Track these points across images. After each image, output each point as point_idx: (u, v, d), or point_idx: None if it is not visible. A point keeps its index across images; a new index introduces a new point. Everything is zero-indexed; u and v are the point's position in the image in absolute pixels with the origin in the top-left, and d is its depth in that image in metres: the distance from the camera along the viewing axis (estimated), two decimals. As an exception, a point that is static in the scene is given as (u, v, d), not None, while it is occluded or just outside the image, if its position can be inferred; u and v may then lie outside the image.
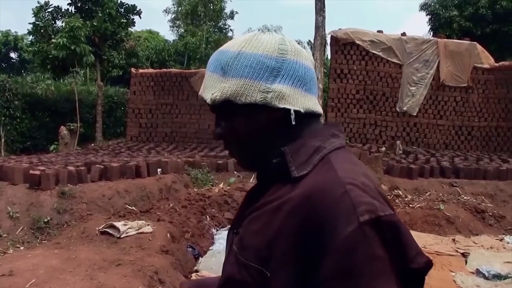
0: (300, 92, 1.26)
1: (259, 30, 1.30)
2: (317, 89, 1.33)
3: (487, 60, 17.18)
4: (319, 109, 1.31)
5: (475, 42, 17.33)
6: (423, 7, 29.18)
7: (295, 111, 1.24)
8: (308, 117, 1.28)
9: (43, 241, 7.31)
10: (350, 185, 1.11)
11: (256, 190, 1.37)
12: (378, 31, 16.65)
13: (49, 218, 7.73)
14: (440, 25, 27.33)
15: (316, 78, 1.36)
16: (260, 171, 1.38)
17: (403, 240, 1.08)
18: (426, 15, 29.24)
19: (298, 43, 1.31)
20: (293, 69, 1.25)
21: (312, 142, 1.24)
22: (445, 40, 17.34)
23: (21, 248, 6.99)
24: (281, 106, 1.23)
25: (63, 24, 20.03)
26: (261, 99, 1.23)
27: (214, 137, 1.35)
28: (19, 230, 7.40)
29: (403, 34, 16.72)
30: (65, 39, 18.35)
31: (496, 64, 17.32)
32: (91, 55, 19.44)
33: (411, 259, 1.08)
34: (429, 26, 29.32)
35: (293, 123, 1.23)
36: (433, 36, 22.24)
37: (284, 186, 1.21)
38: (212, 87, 1.28)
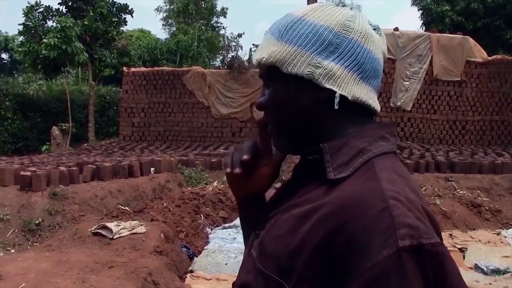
0: (354, 77, 1.11)
1: (333, 2, 1.16)
2: (380, 84, 1.19)
3: (479, 54, 17.18)
4: (373, 103, 1.15)
5: (467, 36, 17.34)
6: (415, 2, 29.18)
7: (342, 97, 1.10)
8: (359, 111, 1.14)
9: (35, 244, 7.21)
10: (393, 200, 0.94)
11: (288, 187, 1.23)
12: (371, 26, 16.56)
13: (40, 220, 7.63)
14: (432, 20, 27.32)
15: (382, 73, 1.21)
16: (297, 165, 1.24)
17: (446, 276, 0.92)
18: (418, 10, 29.25)
19: (375, 28, 1.17)
20: (354, 50, 1.11)
21: (356, 142, 1.09)
22: (438, 34, 17.32)
23: (12, 251, 6.88)
24: (327, 86, 1.09)
25: (54, 24, 19.92)
26: (308, 73, 1.10)
27: (257, 107, 1.22)
28: (9, 232, 7.29)
29: (396, 29, 16.67)
30: (56, 39, 18.23)
31: (489, 58, 17.35)
32: (84, 53, 19.32)
33: None
34: (421, 21, 29.33)
35: (336, 107, 1.09)
36: (425, 31, 22.20)
37: (318, 188, 1.08)
38: (264, 49, 1.16)
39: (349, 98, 1.10)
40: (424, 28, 27.84)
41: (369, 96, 1.13)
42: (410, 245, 0.89)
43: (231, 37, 39.83)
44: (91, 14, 20.65)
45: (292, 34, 1.12)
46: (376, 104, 1.16)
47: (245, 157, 1.22)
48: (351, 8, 1.15)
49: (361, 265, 0.90)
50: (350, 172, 1.04)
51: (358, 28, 1.12)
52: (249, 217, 1.38)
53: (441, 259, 0.92)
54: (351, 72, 1.10)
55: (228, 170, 1.25)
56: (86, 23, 20.28)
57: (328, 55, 1.10)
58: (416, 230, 0.91)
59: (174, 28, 39.51)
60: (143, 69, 20.46)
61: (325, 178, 1.06)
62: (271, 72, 1.15)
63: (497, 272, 6.56)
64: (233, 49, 35.37)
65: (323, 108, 1.11)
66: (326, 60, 1.10)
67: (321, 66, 1.09)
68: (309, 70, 1.09)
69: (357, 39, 1.11)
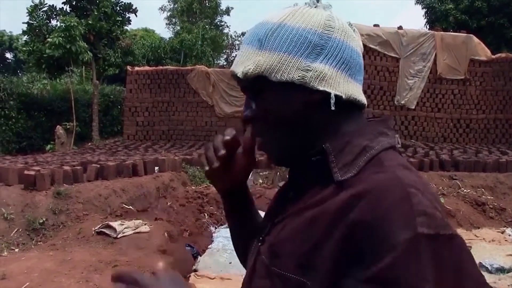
0: (343, 76, 1.11)
1: (306, 4, 1.15)
2: (363, 77, 1.19)
3: (483, 53, 17.14)
4: (363, 99, 1.16)
5: (471, 35, 17.30)
6: (419, 0, 29.12)
7: (336, 97, 1.09)
8: (350, 107, 1.13)
9: (39, 243, 7.22)
10: (412, 188, 0.94)
11: (287, 191, 1.22)
12: (375, 25, 16.56)
13: (44, 219, 7.63)
14: (436, 18, 27.28)
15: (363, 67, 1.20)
16: (293, 169, 1.22)
17: (463, 267, 0.92)
18: (422, 8, 29.21)
19: (350, 25, 1.16)
20: (339, 49, 1.11)
21: (358, 141, 1.08)
22: (442, 33, 17.29)
23: (16, 250, 6.89)
24: (320, 88, 1.08)
25: (58, 23, 19.95)
26: (299, 78, 1.08)
27: (242, 121, 1.21)
28: (14, 231, 7.30)
29: (400, 27, 16.64)
30: (61, 38, 18.26)
31: (493, 56, 17.30)
32: (88, 52, 19.35)
33: None
34: (425, 20, 29.29)
35: (333, 108, 1.08)
36: (429, 29, 22.16)
37: (326, 189, 1.06)
38: (246, 60, 1.13)
39: (343, 97, 1.09)
40: (428, 26, 27.80)
41: (358, 91, 1.14)
42: (428, 233, 0.89)
43: (235, 35, 39.89)
44: (95, 13, 20.69)
45: (276, 41, 1.10)
46: (364, 99, 1.16)
47: (222, 152, 1.22)
48: (324, 8, 1.13)
49: (379, 247, 0.90)
50: (356, 172, 1.03)
51: (338, 26, 1.12)
52: (233, 210, 1.40)
53: (459, 248, 0.92)
54: (340, 70, 1.10)
55: (207, 168, 1.25)
56: (90, 22, 20.32)
57: (315, 57, 1.09)
58: (434, 220, 0.91)
59: (178, 27, 39.54)
60: (147, 68, 20.48)
61: (331, 179, 1.05)
62: (257, 83, 1.12)
63: (501, 270, 6.55)
64: (237, 47, 35.41)
65: (317, 111, 1.10)
66: (315, 62, 1.09)
67: (311, 69, 1.08)
68: (300, 74, 1.08)
69: (340, 38, 1.11)
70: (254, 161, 1.29)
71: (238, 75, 1.14)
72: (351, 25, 1.16)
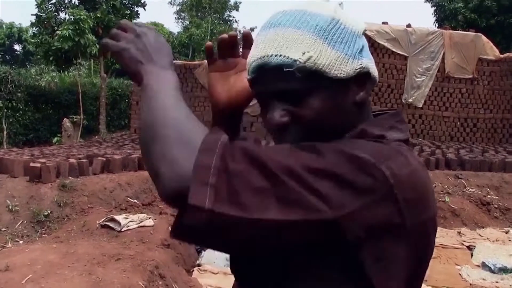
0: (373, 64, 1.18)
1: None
2: None
3: (492, 52, 17.05)
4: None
5: (480, 34, 17.20)
6: (428, -2, 29.06)
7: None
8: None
9: (43, 235, 7.25)
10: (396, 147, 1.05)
11: None
12: (383, 23, 16.49)
13: (49, 212, 7.67)
14: (445, 17, 27.20)
15: None
16: None
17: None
18: (431, 6, 29.11)
19: None
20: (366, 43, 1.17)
21: (372, 129, 1.10)
22: (451, 31, 17.19)
23: (21, 242, 6.93)
24: (367, 83, 1.16)
25: (67, 16, 19.99)
26: (355, 73, 1.10)
27: (273, 125, 1.11)
28: (18, 223, 7.34)
29: (408, 25, 16.56)
30: (70, 31, 18.28)
31: (502, 56, 17.19)
32: (96, 45, 19.37)
33: None
34: (434, 18, 29.19)
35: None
36: (438, 27, 22.08)
37: None
38: (298, 45, 1.05)
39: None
40: (437, 25, 27.72)
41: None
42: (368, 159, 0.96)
43: (243, 30, 39.91)
44: (104, 6, 20.69)
45: (335, 36, 1.08)
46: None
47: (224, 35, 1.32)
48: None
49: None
50: None
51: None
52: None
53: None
54: (372, 62, 1.16)
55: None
56: (98, 15, 20.31)
57: (362, 54, 1.12)
58: (386, 156, 0.99)
59: (187, 22, 39.60)
60: (155, 62, 20.48)
61: None
62: (311, 78, 1.06)
63: (504, 270, 6.54)
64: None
65: (357, 105, 1.14)
66: (362, 59, 1.12)
67: (363, 65, 1.12)
68: (356, 69, 1.10)
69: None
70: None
71: (294, 59, 1.05)
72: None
